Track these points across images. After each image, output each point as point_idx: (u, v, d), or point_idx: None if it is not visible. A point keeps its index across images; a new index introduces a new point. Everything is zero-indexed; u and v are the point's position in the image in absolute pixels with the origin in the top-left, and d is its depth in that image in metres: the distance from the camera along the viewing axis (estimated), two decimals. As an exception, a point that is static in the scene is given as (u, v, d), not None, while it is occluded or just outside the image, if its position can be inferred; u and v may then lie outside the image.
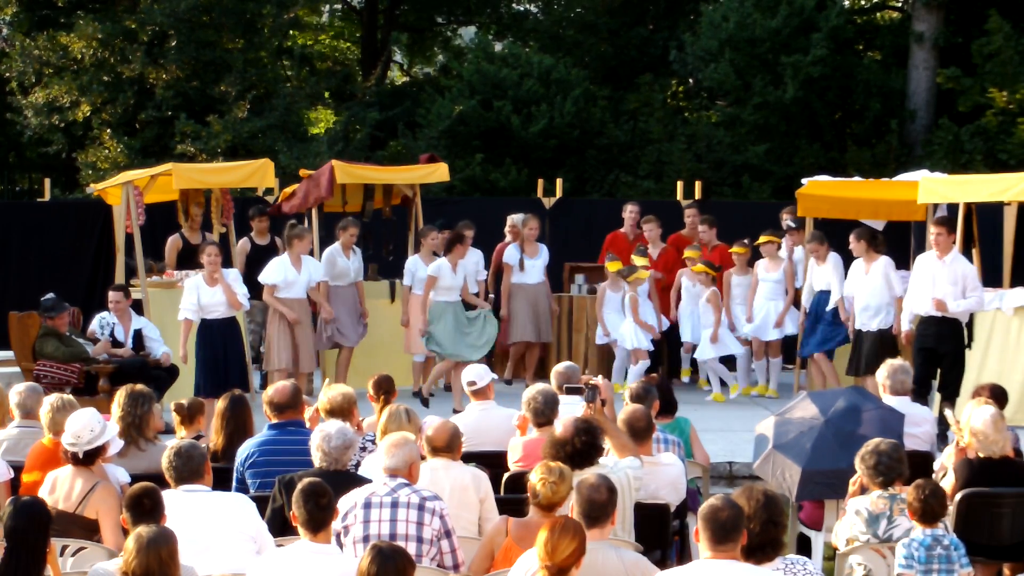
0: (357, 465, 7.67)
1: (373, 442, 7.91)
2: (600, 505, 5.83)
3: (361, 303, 13.88)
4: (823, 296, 13.35)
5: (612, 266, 14.20)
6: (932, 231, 11.95)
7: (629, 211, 15.24)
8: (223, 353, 11.96)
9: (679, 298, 14.54)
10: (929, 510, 6.52)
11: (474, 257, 14.17)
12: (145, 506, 6.03)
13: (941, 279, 11.75)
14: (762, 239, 13.95)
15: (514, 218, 14.88)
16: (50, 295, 12.72)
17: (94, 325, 12.78)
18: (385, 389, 8.93)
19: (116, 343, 12.66)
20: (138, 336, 12.74)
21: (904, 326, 12.18)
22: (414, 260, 13.84)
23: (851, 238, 12.81)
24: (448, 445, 7.20)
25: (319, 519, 5.97)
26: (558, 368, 9.37)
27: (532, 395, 8.18)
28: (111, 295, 12.78)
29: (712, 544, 5.21)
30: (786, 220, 14.60)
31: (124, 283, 13.23)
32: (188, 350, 12.08)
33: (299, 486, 6.06)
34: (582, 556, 5.35)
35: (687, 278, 14.44)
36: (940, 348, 11.65)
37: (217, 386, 11.60)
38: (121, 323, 12.72)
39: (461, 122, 22.45)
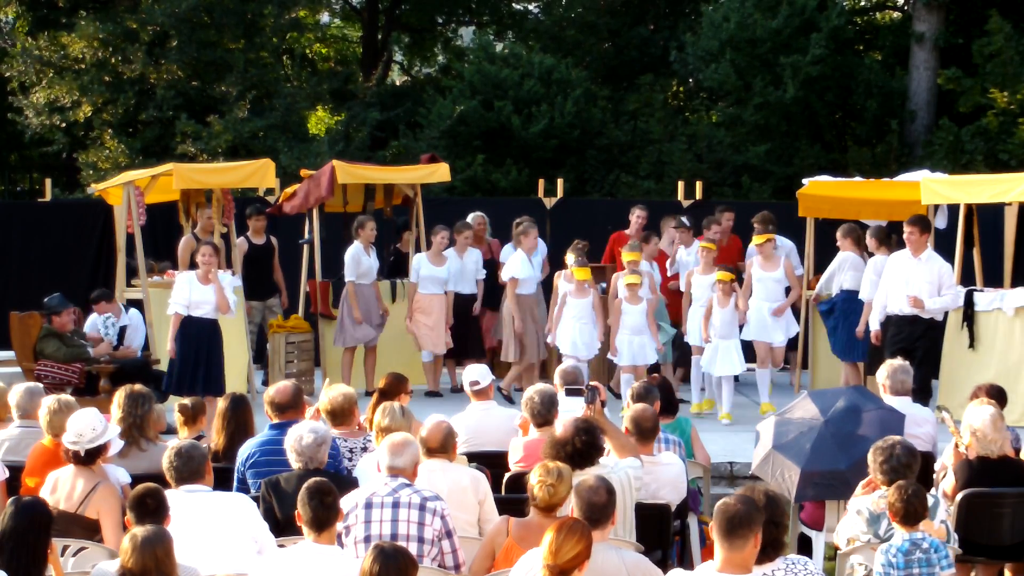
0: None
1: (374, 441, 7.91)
2: (600, 507, 5.82)
3: (379, 301, 14.01)
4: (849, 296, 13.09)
5: (580, 273, 12.96)
6: (905, 230, 12.01)
7: (636, 215, 15.11)
8: (202, 352, 11.89)
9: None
10: (912, 511, 6.50)
11: (473, 256, 14.25)
12: (148, 506, 6.04)
13: (917, 278, 11.86)
14: (757, 239, 13.25)
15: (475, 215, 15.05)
16: (56, 294, 12.77)
17: (97, 326, 12.86)
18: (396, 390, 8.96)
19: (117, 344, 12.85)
20: (122, 332, 12.94)
21: (874, 326, 12.20)
22: (420, 258, 13.99)
23: (867, 236, 12.79)
24: (443, 446, 7.19)
25: (323, 518, 5.97)
26: (562, 368, 9.41)
27: (530, 395, 8.20)
28: (97, 308, 12.89)
29: (722, 538, 5.18)
30: (679, 217, 14.61)
31: (103, 290, 13.25)
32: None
33: (305, 485, 6.06)
34: (587, 560, 5.33)
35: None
36: (912, 347, 11.71)
37: (186, 384, 11.61)
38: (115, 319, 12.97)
39: (462, 122, 22.45)
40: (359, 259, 13.76)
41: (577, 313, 12.95)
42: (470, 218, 14.78)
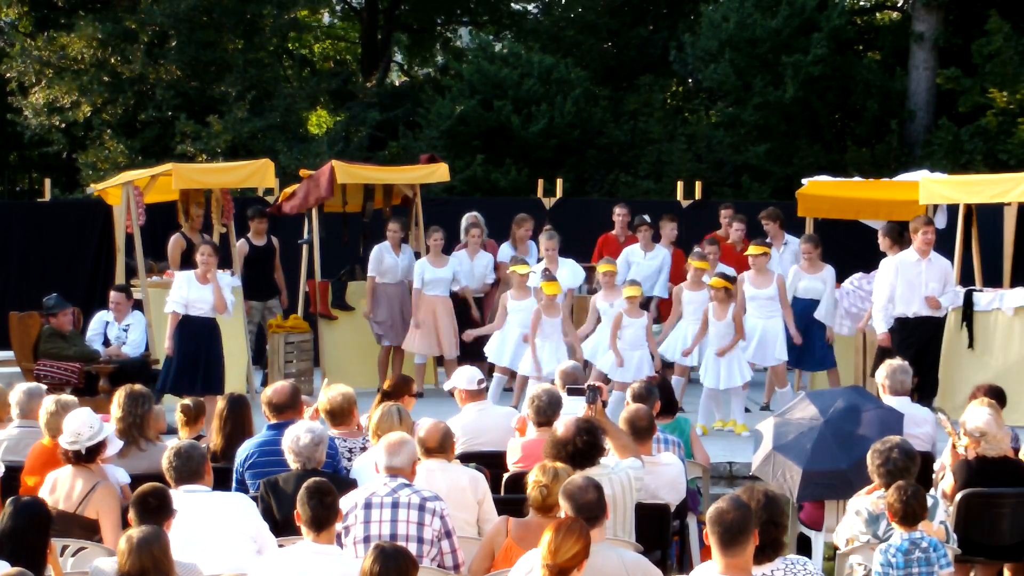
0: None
1: (373, 442, 7.91)
2: (592, 505, 5.78)
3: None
4: (811, 306, 12.77)
5: (551, 288, 12.10)
6: (921, 230, 11.88)
7: (618, 213, 15.05)
8: (201, 351, 11.84)
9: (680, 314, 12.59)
10: (910, 512, 6.50)
11: (484, 260, 14.24)
12: (150, 504, 6.03)
13: (928, 278, 11.86)
14: (753, 250, 12.44)
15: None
16: (52, 295, 12.78)
17: (100, 330, 12.92)
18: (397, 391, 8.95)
19: (107, 341, 12.88)
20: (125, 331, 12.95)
21: (881, 328, 12.12)
22: (422, 263, 13.91)
23: (879, 235, 12.72)
24: (441, 446, 7.19)
25: (323, 518, 5.96)
26: (563, 367, 9.40)
27: (536, 394, 8.20)
28: (112, 295, 12.91)
29: (721, 548, 5.15)
30: (642, 216, 14.61)
31: (125, 283, 13.26)
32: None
33: (304, 485, 6.06)
34: (585, 559, 5.32)
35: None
36: (924, 348, 11.72)
37: (185, 383, 11.58)
38: (117, 322, 12.92)
39: (461, 122, 22.46)
40: (382, 257, 13.84)
41: (548, 332, 12.16)
42: (464, 219, 14.62)
